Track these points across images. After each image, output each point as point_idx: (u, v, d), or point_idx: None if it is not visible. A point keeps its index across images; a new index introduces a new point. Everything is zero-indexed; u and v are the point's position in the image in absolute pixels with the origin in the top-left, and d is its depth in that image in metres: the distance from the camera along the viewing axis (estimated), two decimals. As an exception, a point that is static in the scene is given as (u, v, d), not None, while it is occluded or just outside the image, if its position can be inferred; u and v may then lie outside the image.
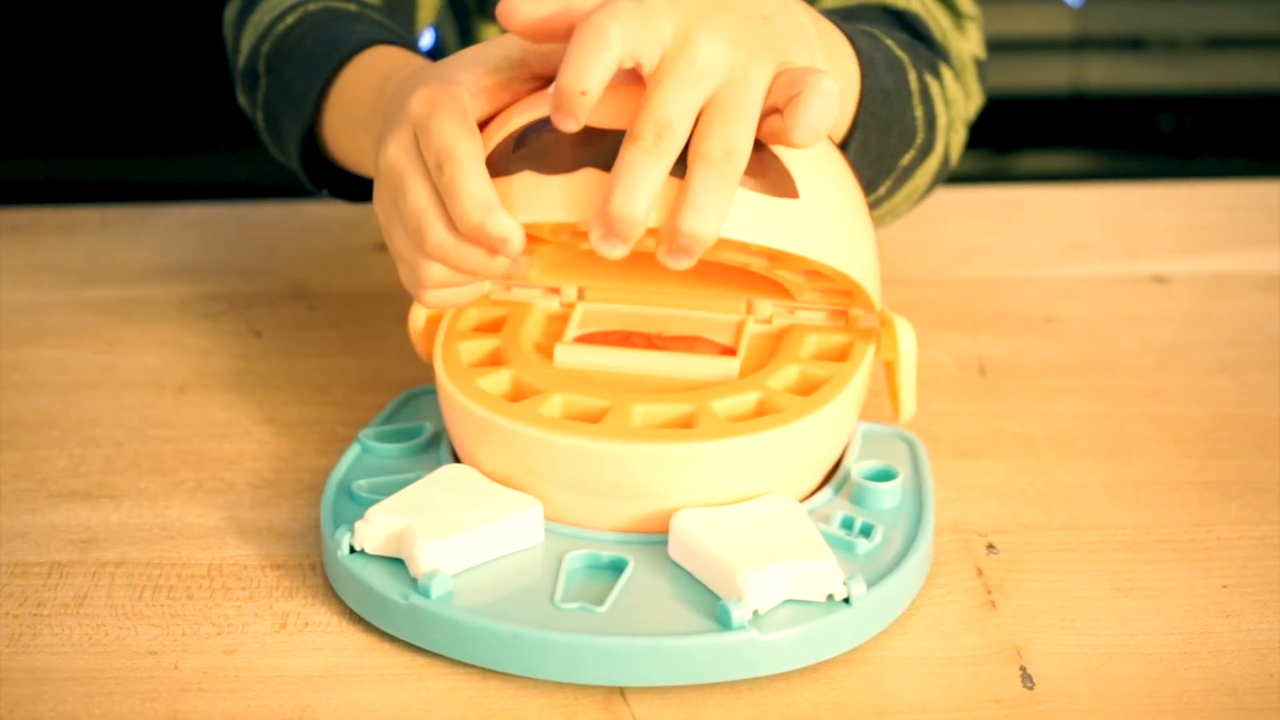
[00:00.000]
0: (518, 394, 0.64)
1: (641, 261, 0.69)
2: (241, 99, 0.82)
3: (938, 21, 0.82)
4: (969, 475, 0.70)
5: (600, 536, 0.61)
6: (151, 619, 0.61)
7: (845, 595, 0.58)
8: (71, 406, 0.76)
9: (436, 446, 0.67)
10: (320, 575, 0.63)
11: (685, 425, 0.62)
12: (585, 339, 0.67)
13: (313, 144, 0.76)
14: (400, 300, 0.86)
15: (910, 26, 0.79)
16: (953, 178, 1.06)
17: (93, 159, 1.85)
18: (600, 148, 0.58)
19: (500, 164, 0.60)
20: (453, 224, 0.59)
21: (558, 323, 0.68)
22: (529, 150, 0.60)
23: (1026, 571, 0.64)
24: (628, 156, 0.56)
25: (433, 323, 0.69)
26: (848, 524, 0.62)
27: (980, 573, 0.64)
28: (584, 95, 0.55)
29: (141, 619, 0.61)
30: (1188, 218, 0.98)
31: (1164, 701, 0.57)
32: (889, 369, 0.67)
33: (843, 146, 0.70)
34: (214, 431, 0.73)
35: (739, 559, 0.57)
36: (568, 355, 0.66)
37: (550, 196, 0.59)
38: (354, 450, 0.67)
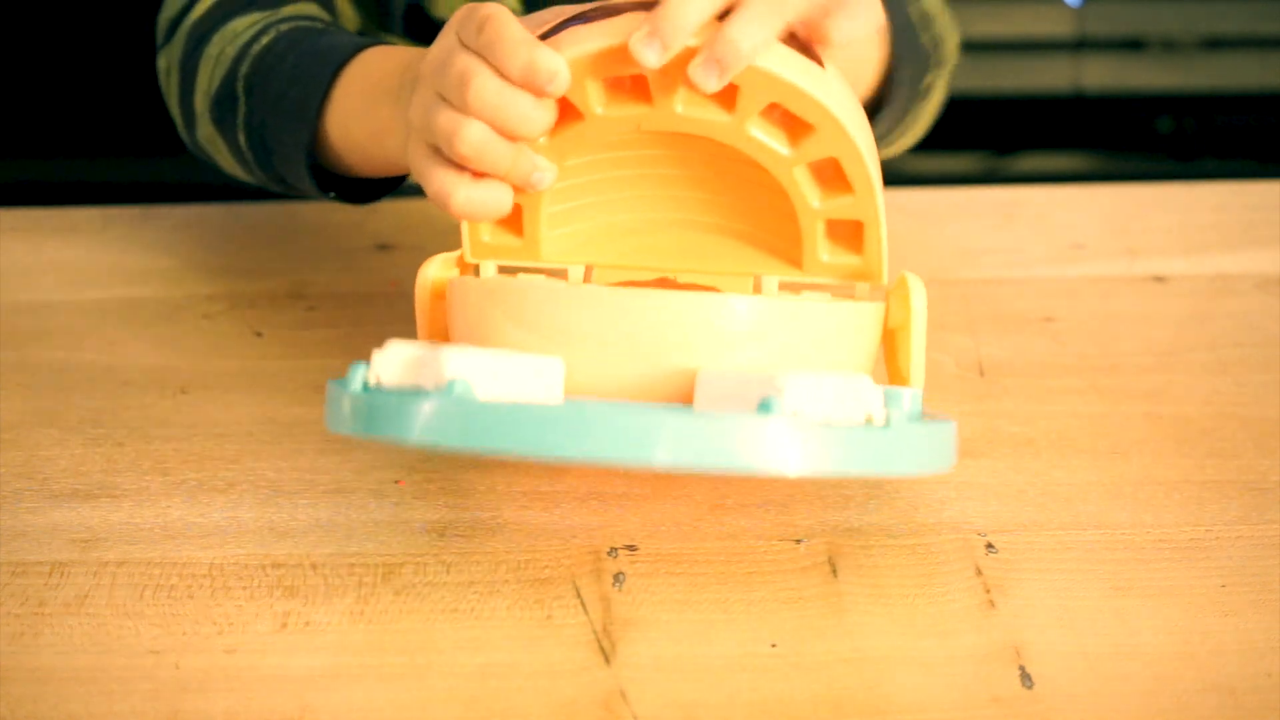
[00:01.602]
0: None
1: (649, 242, 0.69)
2: (204, 131, 0.81)
3: None
4: (968, 475, 0.70)
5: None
6: (152, 618, 0.61)
7: (885, 418, 0.57)
8: (72, 406, 0.76)
9: None
10: (321, 575, 0.63)
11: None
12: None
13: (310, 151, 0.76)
14: (400, 301, 0.86)
15: None
16: (953, 178, 1.05)
17: (93, 159, 1.85)
18: (648, 5, 0.61)
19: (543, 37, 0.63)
20: (498, 75, 0.61)
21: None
22: (571, 22, 0.63)
23: (1025, 571, 0.64)
24: None
25: (440, 293, 0.68)
26: None
27: (979, 572, 0.64)
28: None
29: (142, 618, 0.61)
30: (1187, 218, 0.98)
31: (1162, 701, 0.57)
32: (892, 340, 0.66)
33: (888, 80, 0.78)
34: (214, 431, 0.74)
35: (778, 370, 0.57)
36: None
37: (594, 33, 0.61)
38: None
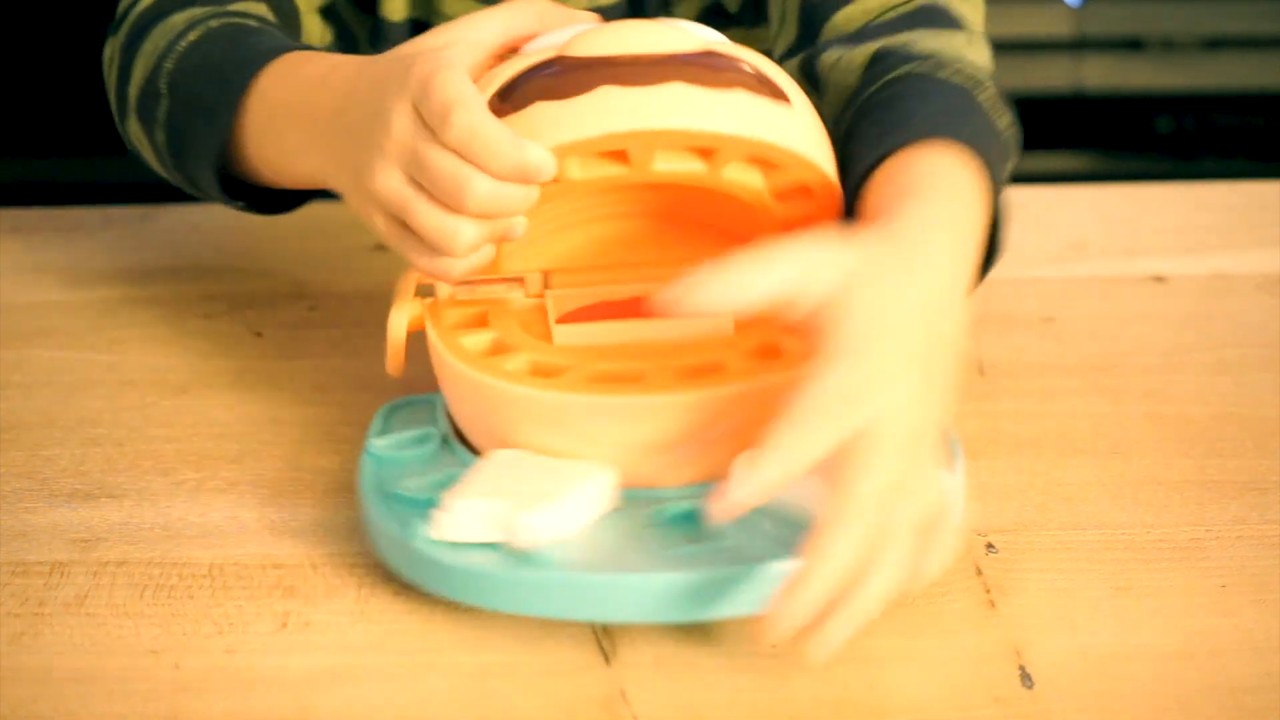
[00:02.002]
0: (540, 373, 0.64)
1: (599, 237, 0.70)
2: (133, 127, 0.79)
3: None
4: (969, 475, 0.70)
5: (668, 493, 0.62)
6: (152, 618, 0.61)
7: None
8: (73, 406, 0.76)
9: (449, 446, 0.67)
10: (321, 575, 0.63)
11: (713, 371, 0.63)
12: (576, 316, 0.68)
13: (223, 157, 0.75)
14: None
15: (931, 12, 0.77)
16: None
17: (93, 159, 1.85)
18: (614, 69, 0.61)
19: (505, 108, 0.62)
20: (486, 175, 0.61)
21: (534, 314, 0.69)
22: (534, 88, 0.62)
23: (1026, 571, 0.64)
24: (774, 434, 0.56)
25: (411, 333, 0.69)
26: None
27: (980, 572, 0.64)
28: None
29: (142, 618, 0.61)
30: (1187, 218, 0.98)
31: (1163, 701, 0.57)
32: None
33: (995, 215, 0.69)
34: (215, 431, 0.74)
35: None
36: (567, 335, 0.67)
37: (573, 117, 0.61)
38: (368, 462, 0.66)
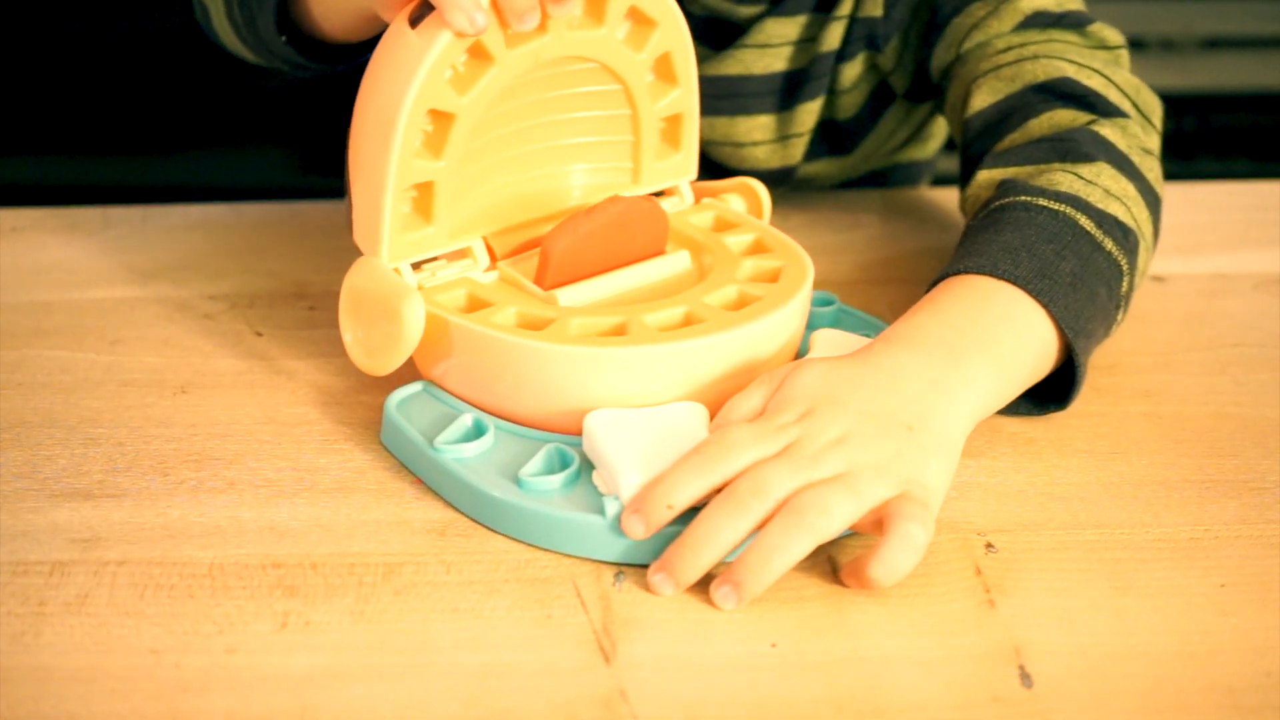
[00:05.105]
0: (615, 332, 0.69)
1: (526, 194, 0.76)
2: None
3: (1092, 69, 0.82)
4: (968, 474, 0.70)
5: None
6: (153, 618, 0.61)
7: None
8: (73, 406, 0.76)
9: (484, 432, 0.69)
10: (321, 575, 0.63)
11: (693, 321, 0.70)
12: (561, 280, 0.72)
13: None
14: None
15: (1066, 94, 0.81)
16: (954, 178, 1.04)
17: (93, 159, 1.85)
18: None
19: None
20: None
21: (501, 288, 0.72)
22: None
23: (1025, 570, 0.64)
24: (711, 509, 0.62)
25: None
26: None
27: (979, 572, 0.64)
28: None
29: (143, 618, 0.61)
30: (1186, 218, 0.98)
31: (1162, 700, 0.57)
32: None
33: (1070, 349, 0.72)
34: (215, 431, 0.74)
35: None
36: (569, 297, 0.72)
37: None
38: (454, 469, 0.67)
